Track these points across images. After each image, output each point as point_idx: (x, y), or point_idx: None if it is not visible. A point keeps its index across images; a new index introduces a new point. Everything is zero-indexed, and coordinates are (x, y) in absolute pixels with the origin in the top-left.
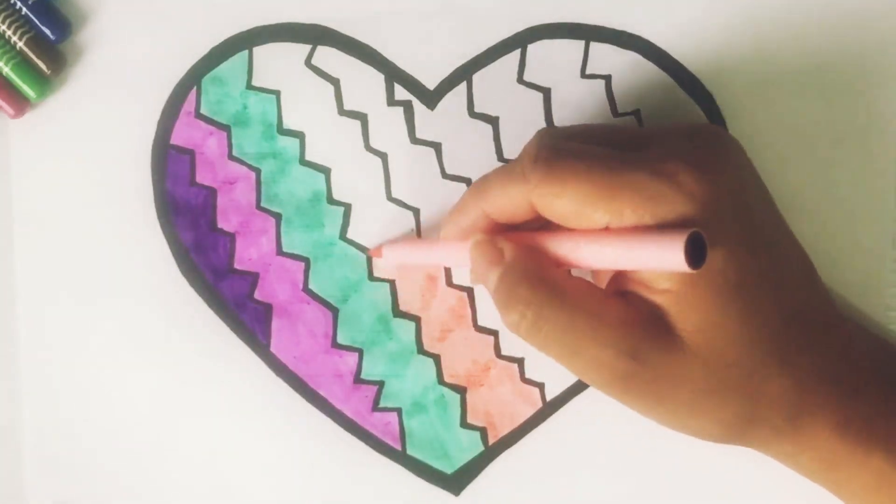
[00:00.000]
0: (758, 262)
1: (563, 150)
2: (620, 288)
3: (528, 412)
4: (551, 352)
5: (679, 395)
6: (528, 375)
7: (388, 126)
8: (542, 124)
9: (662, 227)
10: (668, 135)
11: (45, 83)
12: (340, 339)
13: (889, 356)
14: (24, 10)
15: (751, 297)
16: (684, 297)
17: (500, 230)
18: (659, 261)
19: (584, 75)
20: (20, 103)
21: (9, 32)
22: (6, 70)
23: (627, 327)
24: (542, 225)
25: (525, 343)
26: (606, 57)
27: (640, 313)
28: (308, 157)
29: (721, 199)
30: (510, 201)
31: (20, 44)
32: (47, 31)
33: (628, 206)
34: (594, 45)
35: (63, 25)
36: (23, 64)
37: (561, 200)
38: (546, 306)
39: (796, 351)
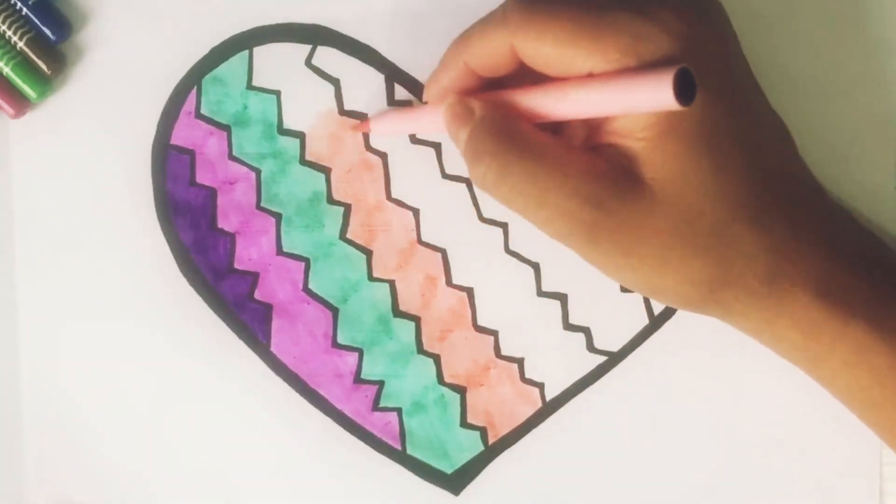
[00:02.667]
0: (736, 116)
1: None
2: (594, 142)
3: (527, 412)
4: (516, 204)
5: (646, 248)
6: (528, 375)
7: None
8: None
9: (649, 67)
10: None
11: (45, 83)
12: (340, 339)
13: (871, 237)
14: (25, 10)
15: (726, 150)
16: (658, 146)
17: (483, 87)
18: (647, 99)
19: None
20: (20, 103)
21: (9, 32)
22: (6, 70)
23: (593, 177)
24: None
25: (525, 343)
26: None
27: (608, 164)
28: (308, 157)
29: (704, 43)
30: (491, 49)
31: (20, 44)
32: (47, 32)
33: (612, 47)
34: None
35: (63, 25)
36: (23, 64)
37: (543, 44)
38: (511, 158)
39: (772, 211)
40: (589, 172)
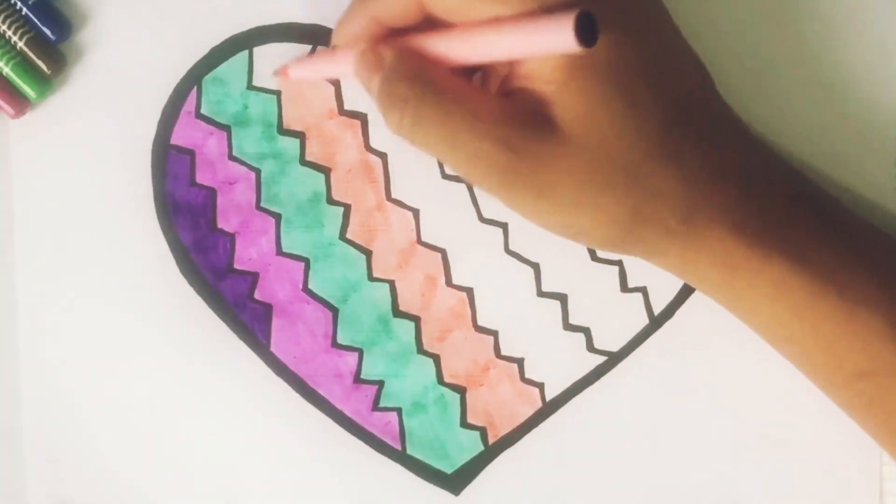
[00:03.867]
0: (645, 52)
1: None
2: (507, 88)
3: (527, 412)
4: (432, 148)
5: (561, 188)
6: (527, 375)
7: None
8: None
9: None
10: None
11: (45, 83)
12: (340, 339)
13: (793, 173)
14: (25, 10)
15: (637, 88)
16: (567, 86)
17: (392, 36)
18: (549, 42)
19: None
20: (20, 103)
21: (9, 32)
22: (6, 70)
23: (505, 120)
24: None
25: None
26: None
27: (520, 107)
28: (308, 157)
29: None
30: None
31: (20, 44)
32: (47, 32)
33: None
34: None
35: (63, 25)
36: (23, 64)
37: None
38: (424, 102)
39: (686, 148)
40: (502, 115)
